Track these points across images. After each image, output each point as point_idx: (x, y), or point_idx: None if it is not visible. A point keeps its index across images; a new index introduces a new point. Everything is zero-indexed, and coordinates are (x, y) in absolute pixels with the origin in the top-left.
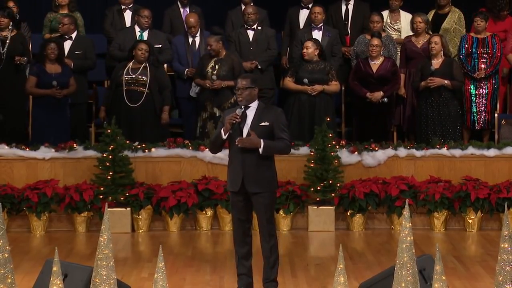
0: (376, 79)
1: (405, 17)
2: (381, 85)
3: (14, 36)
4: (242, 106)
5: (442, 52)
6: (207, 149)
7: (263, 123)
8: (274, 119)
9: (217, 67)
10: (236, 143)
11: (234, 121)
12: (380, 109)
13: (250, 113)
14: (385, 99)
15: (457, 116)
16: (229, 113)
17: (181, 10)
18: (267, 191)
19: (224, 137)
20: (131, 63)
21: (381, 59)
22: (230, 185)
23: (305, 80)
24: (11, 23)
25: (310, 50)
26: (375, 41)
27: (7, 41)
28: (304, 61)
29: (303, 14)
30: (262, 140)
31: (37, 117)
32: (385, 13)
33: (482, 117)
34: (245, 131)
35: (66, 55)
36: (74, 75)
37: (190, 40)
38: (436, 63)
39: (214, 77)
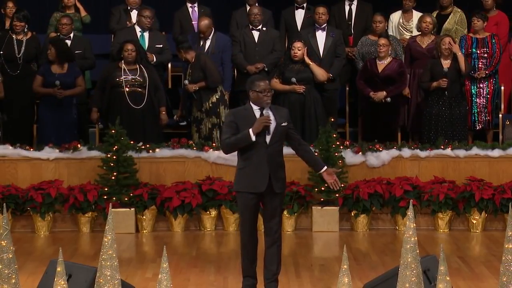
0: (381, 79)
1: (418, 18)
2: (386, 85)
3: (29, 39)
4: (266, 108)
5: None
6: (211, 150)
7: (283, 124)
8: (288, 120)
9: (190, 72)
10: (333, 188)
11: (269, 124)
12: (386, 109)
13: (268, 113)
14: (388, 99)
15: (466, 116)
16: (238, 114)
17: (190, 10)
18: (283, 192)
19: (254, 139)
20: (123, 64)
21: (388, 59)
22: (251, 186)
23: (293, 79)
24: (26, 26)
25: (301, 51)
26: (382, 41)
27: (23, 45)
28: (290, 61)
29: (299, 14)
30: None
31: (42, 116)
32: (398, 13)
33: (483, 117)
34: (271, 131)
35: None
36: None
37: (201, 42)
38: (446, 63)
39: (185, 81)
